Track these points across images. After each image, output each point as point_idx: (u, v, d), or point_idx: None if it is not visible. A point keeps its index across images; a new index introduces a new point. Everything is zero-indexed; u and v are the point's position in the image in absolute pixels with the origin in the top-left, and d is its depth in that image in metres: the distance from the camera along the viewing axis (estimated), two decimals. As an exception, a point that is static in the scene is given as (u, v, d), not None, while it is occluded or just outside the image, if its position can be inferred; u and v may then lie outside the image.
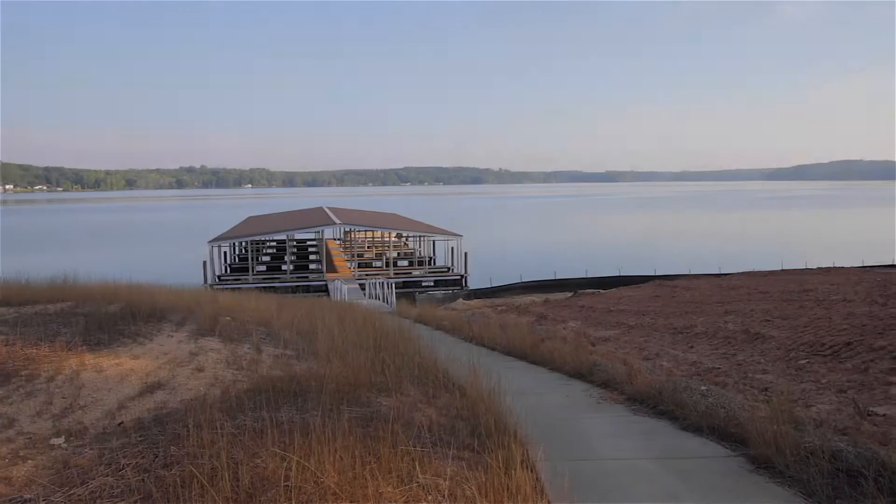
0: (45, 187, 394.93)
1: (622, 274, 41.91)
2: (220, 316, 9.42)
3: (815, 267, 32.04)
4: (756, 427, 4.96)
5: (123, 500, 3.45)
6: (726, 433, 5.38)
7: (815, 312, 13.17)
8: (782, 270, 31.17)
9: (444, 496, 3.50)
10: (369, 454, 3.88)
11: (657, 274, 39.12)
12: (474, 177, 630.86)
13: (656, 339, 12.98)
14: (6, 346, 6.70)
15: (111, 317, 8.50)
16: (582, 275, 42.41)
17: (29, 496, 3.54)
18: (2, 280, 12.66)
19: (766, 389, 7.44)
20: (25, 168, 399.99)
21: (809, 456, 4.41)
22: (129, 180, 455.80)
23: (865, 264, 36.32)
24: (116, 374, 5.99)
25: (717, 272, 37.01)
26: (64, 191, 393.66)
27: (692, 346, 11.62)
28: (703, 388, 6.52)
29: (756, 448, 4.81)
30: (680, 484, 4.44)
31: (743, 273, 32.07)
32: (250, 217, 65.16)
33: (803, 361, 9.04)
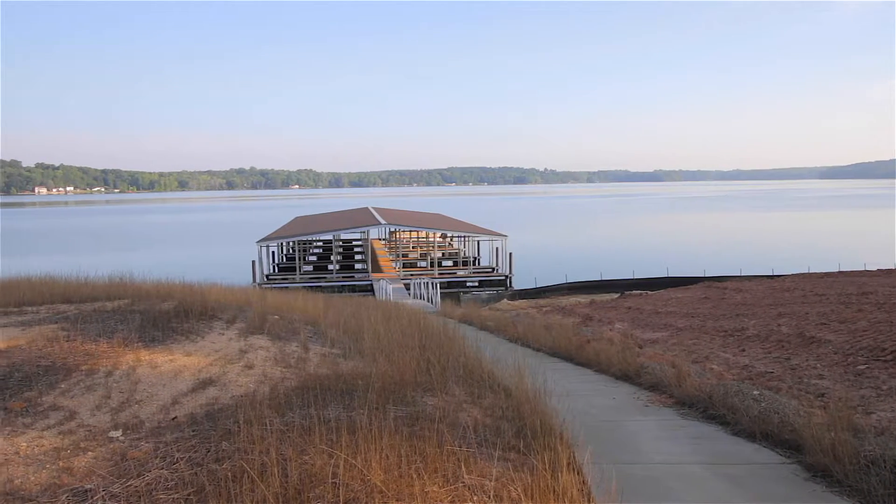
0: (102, 189, 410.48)
1: (670, 275, 41.07)
2: (268, 314, 9.64)
3: (875, 269, 30.75)
4: (812, 434, 4.80)
5: (177, 492, 3.55)
6: (780, 439, 5.22)
7: (875, 316, 12.65)
8: (839, 272, 29.99)
9: (489, 497, 3.49)
10: (415, 453, 3.89)
11: (706, 275, 38.17)
12: (519, 177, 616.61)
13: (706, 341, 12.68)
14: (68, 341, 6.98)
15: (165, 314, 8.76)
16: (628, 276, 41.70)
17: (90, 486, 3.67)
18: (64, 278, 13.23)
19: (823, 395, 7.19)
20: (84, 170, 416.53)
21: (870, 465, 4.24)
22: (182, 182, 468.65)
23: (930, 266, 34.68)
24: (170, 370, 6.17)
25: (770, 274, 35.93)
26: (120, 192, 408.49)
27: (743, 350, 11.31)
28: (755, 392, 6.34)
29: (812, 455, 4.66)
30: (731, 490, 4.33)
31: (797, 275, 31.04)
32: (298, 217, 66.23)
33: (862, 367, 8.70)
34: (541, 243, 71.22)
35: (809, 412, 5.68)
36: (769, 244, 67.88)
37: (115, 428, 4.70)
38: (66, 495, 3.57)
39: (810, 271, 32.64)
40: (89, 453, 4.19)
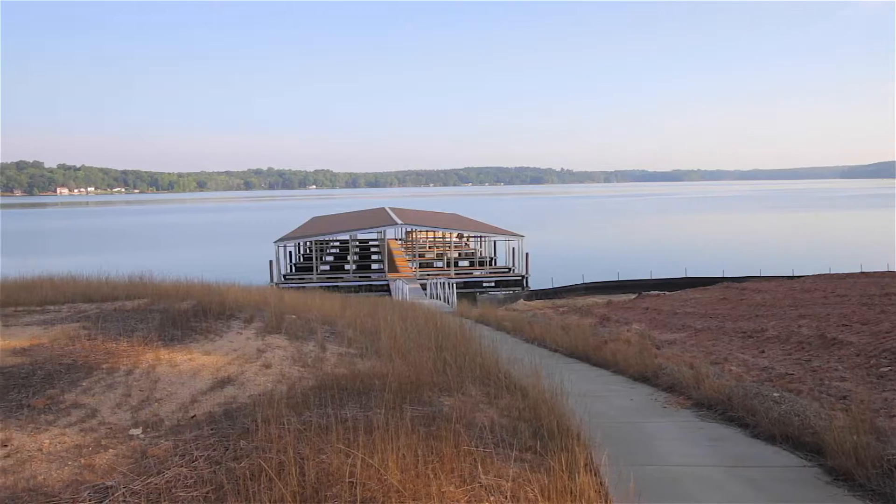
0: (122, 189, 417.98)
1: (688, 276, 40.67)
2: (285, 314, 9.70)
3: (898, 269, 30.24)
4: (834, 436, 4.74)
5: (197, 490, 3.58)
6: (801, 442, 5.15)
7: (898, 317, 12.44)
8: (861, 273, 29.51)
9: (506, 497, 3.49)
10: (431, 453, 3.90)
11: (725, 276, 37.73)
12: (535, 177, 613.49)
13: (724, 342, 12.56)
14: (89, 340, 7.08)
15: (184, 314, 8.86)
16: (646, 276, 41.38)
17: (110, 483, 3.72)
18: (85, 277, 13.42)
19: (845, 398, 7.09)
20: (105, 171, 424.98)
21: (893, 469, 4.18)
22: (201, 182, 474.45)
23: (955, 267, 34.05)
24: (189, 368, 6.24)
25: (790, 274, 35.47)
26: (140, 192, 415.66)
27: (763, 351, 11.18)
28: (775, 394, 6.27)
29: (834, 459, 4.60)
30: (750, 492, 4.28)
31: (818, 275, 30.57)
32: (315, 217, 66.63)
33: (885, 369, 8.57)
34: (557, 243, 70.85)
35: (831, 415, 5.61)
36: (789, 244, 67.08)
37: (136, 426, 4.76)
38: (87, 491, 3.62)
39: (831, 272, 32.14)
40: (110, 450, 4.25)
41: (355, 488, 3.41)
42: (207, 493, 3.54)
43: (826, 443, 4.80)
